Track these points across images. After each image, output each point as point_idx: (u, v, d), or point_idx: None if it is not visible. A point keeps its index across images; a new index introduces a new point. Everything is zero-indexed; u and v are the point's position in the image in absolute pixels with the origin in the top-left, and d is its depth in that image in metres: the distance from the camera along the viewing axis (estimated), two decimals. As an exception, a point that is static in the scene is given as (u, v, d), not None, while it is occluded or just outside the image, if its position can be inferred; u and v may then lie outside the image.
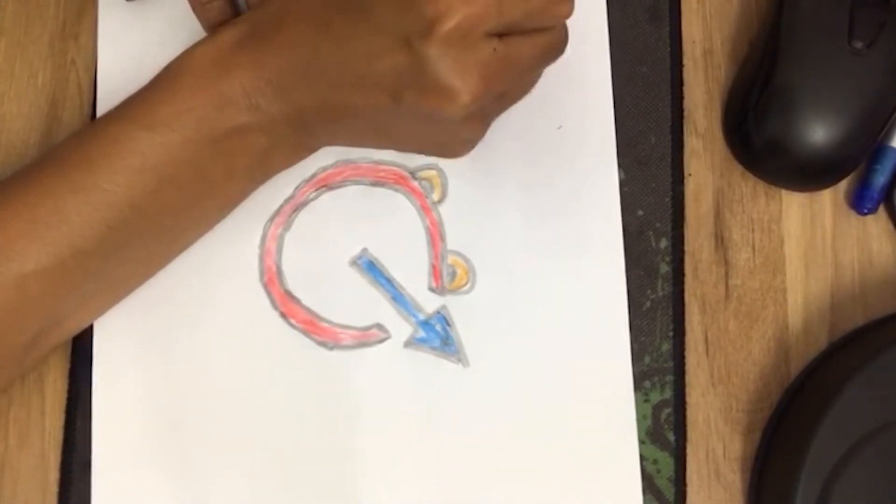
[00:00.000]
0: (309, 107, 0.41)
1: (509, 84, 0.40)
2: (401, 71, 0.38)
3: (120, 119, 0.42)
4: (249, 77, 0.41)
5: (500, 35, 0.38)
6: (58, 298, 0.41)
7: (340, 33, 0.39)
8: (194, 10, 0.47)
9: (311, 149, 0.46)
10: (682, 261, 0.47)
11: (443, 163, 0.47)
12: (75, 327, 0.44)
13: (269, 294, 0.46)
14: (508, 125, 0.47)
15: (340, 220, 0.47)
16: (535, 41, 0.39)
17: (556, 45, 0.41)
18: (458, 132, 0.41)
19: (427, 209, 0.47)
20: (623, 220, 0.47)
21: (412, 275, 0.46)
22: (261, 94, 0.41)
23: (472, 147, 0.43)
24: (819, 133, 0.45)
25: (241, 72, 0.41)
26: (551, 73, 0.43)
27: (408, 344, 0.46)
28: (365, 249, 0.47)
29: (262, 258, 0.46)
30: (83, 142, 0.42)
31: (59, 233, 0.40)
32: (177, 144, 0.41)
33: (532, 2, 0.38)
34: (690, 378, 0.46)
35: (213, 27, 0.47)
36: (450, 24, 0.36)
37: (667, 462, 0.45)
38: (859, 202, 0.47)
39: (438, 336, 0.46)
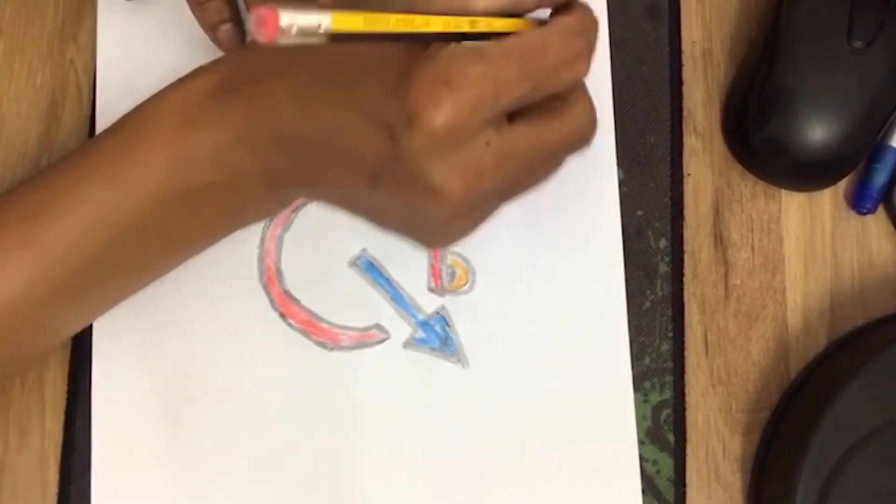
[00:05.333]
0: (282, 170, 0.38)
1: (509, 179, 0.35)
2: (381, 157, 0.34)
3: (77, 168, 0.39)
4: (219, 134, 0.37)
5: (499, 125, 0.34)
6: (10, 342, 0.40)
7: (321, 103, 0.35)
8: (193, 10, 0.47)
9: (285, 205, 0.44)
10: (681, 261, 0.47)
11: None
12: (43, 351, 0.43)
13: (268, 294, 0.46)
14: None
15: (340, 220, 0.46)
16: (541, 132, 0.35)
17: (570, 133, 0.36)
18: (443, 228, 0.36)
19: (426, 209, 0.47)
20: (622, 220, 0.47)
21: (411, 275, 0.46)
22: (231, 152, 0.37)
23: (462, 239, 0.38)
24: (818, 133, 0.44)
25: (211, 127, 0.37)
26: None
27: (407, 344, 0.46)
28: (364, 249, 0.46)
29: (261, 258, 0.46)
30: (38, 191, 0.38)
31: (9, 285, 0.38)
32: (138, 199, 0.38)
33: (536, 75, 0.33)
34: (690, 378, 0.46)
35: (213, 27, 0.47)
36: (435, 118, 0.32)
37: (666, 462, 0.45)
38: (859, 202, 0.47)
39: (438, 336, 0.46)
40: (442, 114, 0.32)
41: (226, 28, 0.47)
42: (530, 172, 0.37)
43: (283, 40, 0.26)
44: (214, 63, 0.39)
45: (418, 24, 0.32)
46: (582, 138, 0.37)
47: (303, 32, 0.27)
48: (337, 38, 0.28)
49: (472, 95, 0.32)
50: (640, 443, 0.45)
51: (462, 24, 0.33)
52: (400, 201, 0.35)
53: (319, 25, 0.27)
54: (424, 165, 0.33)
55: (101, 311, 0.43)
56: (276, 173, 0.38)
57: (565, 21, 0.35)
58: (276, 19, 0.26)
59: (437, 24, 0.33)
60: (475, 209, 0.36)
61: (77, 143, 0.47)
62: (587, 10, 0.36)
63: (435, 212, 0.35)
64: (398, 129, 0.33)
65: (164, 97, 0.39)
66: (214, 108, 0.37)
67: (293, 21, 0.26)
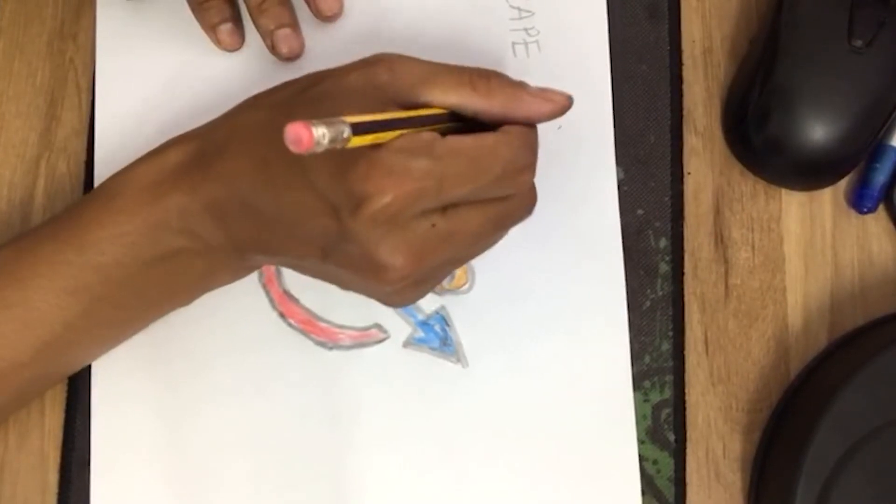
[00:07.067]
0: (245, 238, 0.40)
1: (453, 255, 0.38)
2: (329, 235, 0.36)
3: (54, 238, 0.40)
4: (186, 203, 0.39)
5: (445, 207, 0.36)
6: None
7: (277, 178, 0.37)
8: (193, 10, 0.47)
9: (253, 269, 0.45)
10: (681, 260, 0.47)
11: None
12: (25, 403, 0.45)
13: (267, 294, 0.46)
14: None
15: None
16: (487, 211, 0.37)
17: (516, 212, 0.39)
18: (396, 296, 0.38)
19: (426, 209, 0.47)
20: (622, 220, 0.47)
21: (411, 274, 0.46)
22: (197, 221, 0.39)
23: (414, 302, 0.40)
24: (818, 132, 0.44)
25: (178, 197, 0.39)
26: (551, 74, 0.43)
27: (407, 344, 0.46)
28: (364, 249, 0.46)
29: (261, 258, 0.46)
30: (17, 258, 0.40)
31: None
32: (109, 266, 0.40)
33: (481, 178, 0.36)
34: (690, 378, 0.46)
35: (213, 27, 0.47)
36: (377, 205, 0.34)
37: (666, 462, 0.45)
38: (859, 201, 0.47)
39: (437, 336, 0.46)
40: (383, 200, 0.34)
41: (226, 28, 0.47)
42: (477, 245, 0.39)
43: (318, 150, 0.30)
44: (182, 137, 0.41)
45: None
46: (526, 213, 0.39)
47: (332, 140, 0.30)
48: (357, 132, 0.31)
49: (413, 188, 0.34)
50: (641, 442, 0.45)
51: None
52: (351, 274, 0.37)
53: (343, 131, 0.31)
54: (369, 245, 0.35)
55: (78, 366, 0.45)
56: (240, 241, 0.40)
57: (517, 131, 0.37)
58: (311, 133, 0.29)
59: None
60: (425, 279, 0.38)
61: (77, 142, 0.47)
62: (533, 126, 0.38)
63: (383, 286, 0.37)
64: (344, 211, 0.35)
65: (135, 171, 0.41)
66: (182, 179, 0.40)
67: (324, 132, 0.30)
